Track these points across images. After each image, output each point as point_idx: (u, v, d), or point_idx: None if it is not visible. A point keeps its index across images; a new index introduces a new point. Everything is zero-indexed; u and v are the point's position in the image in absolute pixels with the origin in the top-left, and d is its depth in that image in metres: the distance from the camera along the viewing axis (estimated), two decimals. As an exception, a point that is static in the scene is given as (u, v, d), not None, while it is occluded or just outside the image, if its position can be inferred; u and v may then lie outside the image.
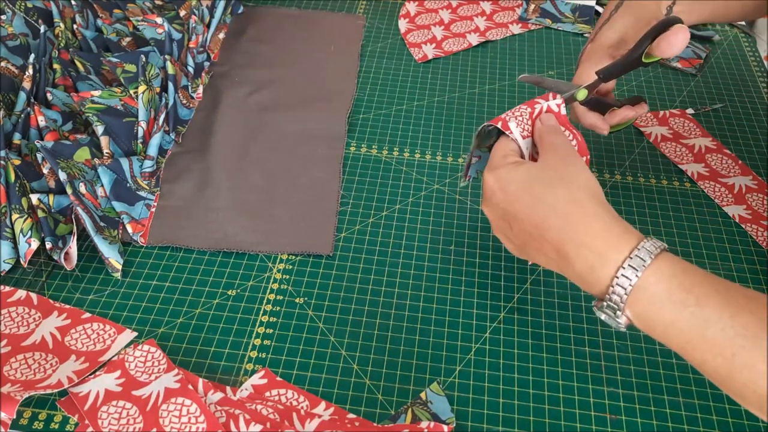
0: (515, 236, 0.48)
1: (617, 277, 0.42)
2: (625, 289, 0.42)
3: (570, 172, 0.46)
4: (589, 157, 0.51)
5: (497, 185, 0.48)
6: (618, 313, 0.43)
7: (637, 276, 0.41)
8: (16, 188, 0.57)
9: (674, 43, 0.55)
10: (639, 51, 0.55)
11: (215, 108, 0.72)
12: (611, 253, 0.43)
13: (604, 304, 0.43)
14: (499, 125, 0.50)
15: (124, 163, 0.62)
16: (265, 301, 0.56)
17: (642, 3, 0.60)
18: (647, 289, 0.41)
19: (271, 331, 0.54)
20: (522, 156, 0.50)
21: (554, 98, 0.52)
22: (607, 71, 0.57)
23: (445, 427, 0.47)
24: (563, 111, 0.52)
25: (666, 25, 0.55)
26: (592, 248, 0.43)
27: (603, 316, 0.44)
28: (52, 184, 0.59)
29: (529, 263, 0.59)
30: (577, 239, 0.44)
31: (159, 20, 0.73)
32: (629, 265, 0.42)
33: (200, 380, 0.50)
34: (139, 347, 0.52)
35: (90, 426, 0.47)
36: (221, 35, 0.82)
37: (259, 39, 0.83)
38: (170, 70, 0.69)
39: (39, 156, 0.59)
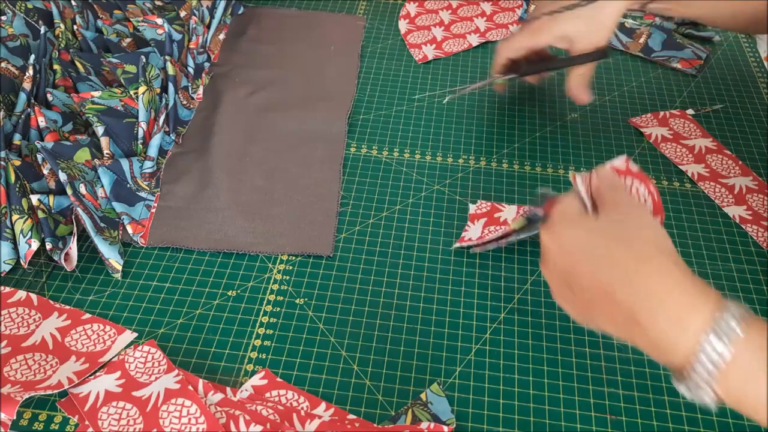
0: (578, 301, 0.43)
1: (701, 347, 0.37)
2: (713, 362, 0.36)
3: (635, 226, 0.42)
4: (663, 217, 0.47)
5: (554, 243, 0.43)
6: (704, 389, 0.37)
7: (725, 346, 0.36)
8: (17, 189, 0.57)
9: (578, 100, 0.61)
10: (566, 64, 0.63)
11: (215, 109, 0.72)
12: (691, 317, 0.38)
13: (686, 378, 0.38)
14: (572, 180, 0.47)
15: (125, 163, 0.62)
16: (265, 302, 0.56)
17: (601, 13, 0.62)
18: (740, 361, 0.36)
19: (271, 331, 0.54)
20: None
21: (618, 158, 0.48)
22: (524, 70, 0.65)
23: (446, 428, 0.47)
24: (633, 167, 0.47)
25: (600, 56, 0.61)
26: (667, 312, 0.38)
27: (686, 392, 0.38)
28: (52, 184, 0.59)
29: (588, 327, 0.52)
30: (649, 302, 0.39)
31: (159, 21, 0.73)
32: (714, 333, 0.37)
33: (200, 381, 0.50)
34: (139, 348, 0.52)
35: (90, 427, 0.47)
36: (221, 36, 0.82)
37: (260, 40, 0.83)
38: (170, 70, 0.69)
39: (39, 157, 0.59)
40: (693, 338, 0.37)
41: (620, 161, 0.48)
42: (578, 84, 0.66)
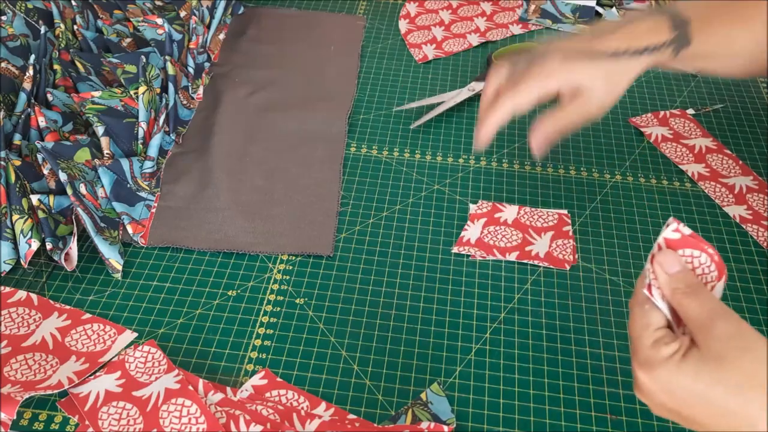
0: (679, 422, 0.39)
1: None
2: None
3: (749, 363, 0.36)
4: (726, 277, 0.41)
5: (658, 387, 0.38)
6: None
7: None
8: (17, 189, 0.57)
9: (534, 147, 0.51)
10: None
11: (215, 109, 0.72)
12: None
13: None
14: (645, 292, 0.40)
15: (125, 163, 0.62)
16: (265, 302, 0.56)
17: (624, 69, 0.51)
18: None
19: (272, 331, 0.54)
20: (669, 325, 0.40)
21: (668, 227, 0.40)
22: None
23: (446, 428, 0.47)
24: (686, 231, 0.40)
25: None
26: None
27: None
28: (52, 184, 0.59)
29: None
30: None
31: (159, 21, 0.73)
32: None
33: (200, 381, 0.50)
34: (140, 348, 0.52)
35: (90, 427, 0.47)
36: (221, 36, 0.82)
37: (260, 40, 0.83)
38: (170, 70, 0.69)
39: (39, 157, 0.59)
40: None
41: (672, 231, 0.40)
42: (552, 131, 0.53)
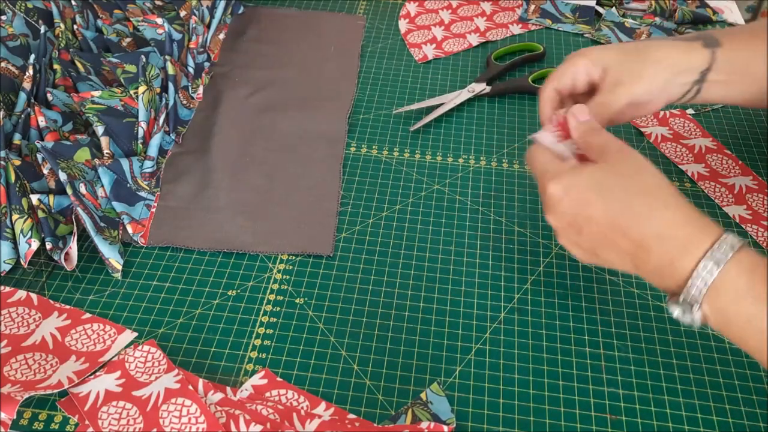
0: (585, 240, 0.47)
1: (697, 270, 0.41)
2: (706, 282, 0.41)
3: (634, 165, 0.46)
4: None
5: (563, 192, 0.46)
6: (695, 308, 0.42)
7: (718, 269, 0.41)
8: (17, 189, 0.57)
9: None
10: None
11: (215, 108, 0.72)
12: (693, 244, 0.42)
13: (681, 299, 0.43)
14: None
15: (125, 163, 0.62)
16: (265, 302, 0.56)
17: (651, 57, 0.54)
18: (727, 282, 0.41)
19: (271, 331, 0.54)
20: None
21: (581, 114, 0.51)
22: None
23: (446, 428, 0.47)
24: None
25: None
26: (674, 239, 0.43)
27: (676, 312, 0.43)
28: (52, 184, 0.59)
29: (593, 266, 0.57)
30: (658, 230, 0.43)
31: (159, 21, 0.73)
32: (711, 257, 0.41)
33: (200, 380, 0.50)
34: (139, 348, 0.52)
35: (90, 426, 0.47)
36: (221, 36, 0.82)
37: (260, 39, 0.83)
38: (170, 70, 0.69)
39: (39, 156, 0.59)
40: (692, 263, 0.42)
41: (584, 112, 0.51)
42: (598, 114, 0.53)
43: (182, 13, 0.77)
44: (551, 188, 0.47)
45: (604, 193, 0.45)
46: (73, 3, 0.73)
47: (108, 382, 0.50)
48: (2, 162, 0.57)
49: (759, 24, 0.57)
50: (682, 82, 0.54)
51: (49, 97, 0.65)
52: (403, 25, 0.86)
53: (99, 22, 0.75)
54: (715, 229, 0.43)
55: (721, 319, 0.42)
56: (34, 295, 0.56)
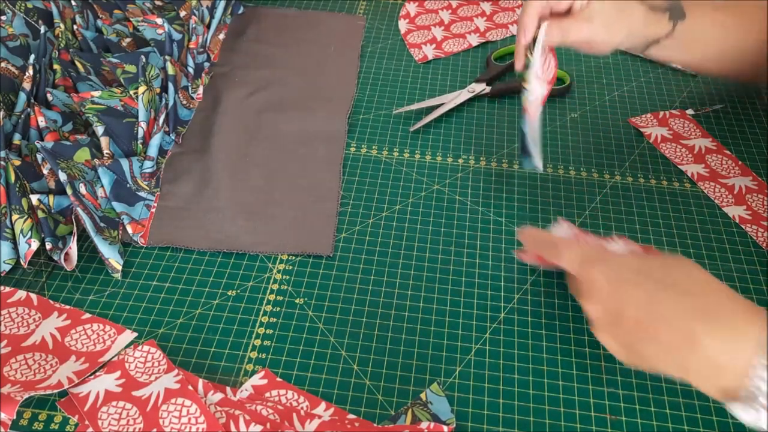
0: (624, 333, 0.45)
1: (754, 366, 0.38)
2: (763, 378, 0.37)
3: (670, 256, 0.45)
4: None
5: (603, 277, 0.45)
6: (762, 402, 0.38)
7: None
8: (16, 189, 0.57)
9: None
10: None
11: (215, 108, 0.72)
12: (748, 329, 0.39)
13: (745, 396, 0.39)
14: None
15: (124, 163, 0.62)
16: (265, 302, 0.56)
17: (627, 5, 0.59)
18: None
19: (271, 331, 0.54)
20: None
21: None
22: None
23: (445, 428, 0.47)
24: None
25: None
26: (725, 324, 0.40)
27: (744, 415, 0.39)
28: (52, 184, 0.59)
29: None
30: (708, 316, 0.40)
31: (159, 21, 0.73)
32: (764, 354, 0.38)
33: (200, 381, 0.50)
34: (139, 348, 0.52)
35: (90, 426, 0.47)
36: (221, 36, 0.82)
37: (260, 40, 0.83)
38: (170, 70, 0.69)
39: (39, 156, 0.59)
40: (750, 349, 0.38)
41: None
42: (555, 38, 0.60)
43: (182, 14, 0.77)
44: (592, 273, 0.45)
45: (646, 282, 0.43)
46: (73, 3, 0.73)
47: (108, 382, 0.50)
48: (2, 162, 0.57)
49: None
50: (637, 42, 0.63)
51: (49, 97, 0.65)
52: (403, 25, 0.86)
53: (99, 23, 0.75)
54: (763, 311, 0.40)
55: None
56: (34, 296, 0.56)
